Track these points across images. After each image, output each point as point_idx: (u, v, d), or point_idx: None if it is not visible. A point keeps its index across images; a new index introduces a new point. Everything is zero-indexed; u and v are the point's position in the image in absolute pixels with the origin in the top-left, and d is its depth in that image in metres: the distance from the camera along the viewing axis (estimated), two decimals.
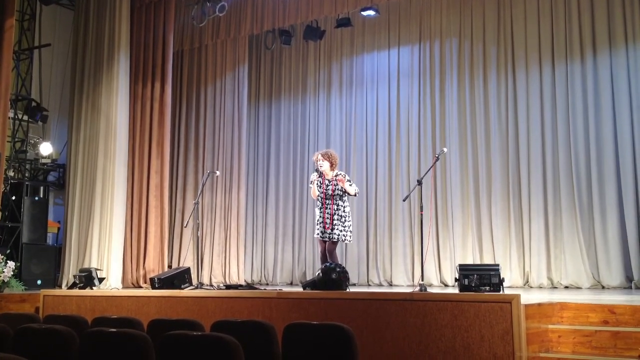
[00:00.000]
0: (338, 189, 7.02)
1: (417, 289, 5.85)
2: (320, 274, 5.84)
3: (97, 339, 3.40)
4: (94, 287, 7.59)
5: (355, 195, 7.14)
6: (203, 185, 8.45)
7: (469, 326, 4.59)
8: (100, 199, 9.03)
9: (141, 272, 9.15)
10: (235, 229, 10.63)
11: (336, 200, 7.00)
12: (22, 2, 10.64)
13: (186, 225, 9.07)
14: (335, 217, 6.97)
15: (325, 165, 7.11)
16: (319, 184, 7.11)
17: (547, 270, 8.44)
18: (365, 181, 10.14)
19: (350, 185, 7.05)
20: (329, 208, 7.00)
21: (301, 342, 3.54)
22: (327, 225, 6.97)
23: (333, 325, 3.48)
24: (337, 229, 6.94)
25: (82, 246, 9.08)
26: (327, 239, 7.01)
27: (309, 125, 10.99)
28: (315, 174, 7.21)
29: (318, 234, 7.09)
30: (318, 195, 7.10)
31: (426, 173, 6.78)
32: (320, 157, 7.19)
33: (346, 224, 7.01)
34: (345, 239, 7.04)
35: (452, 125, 9.47)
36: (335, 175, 7.09)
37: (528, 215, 8.68)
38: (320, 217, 7.06)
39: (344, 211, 7.02)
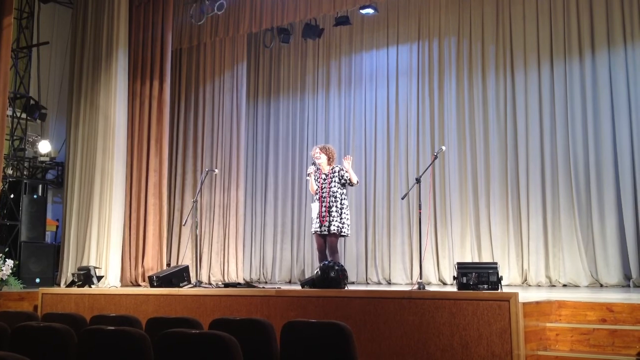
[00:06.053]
0: (335, 183, 7.03)
1: (416, 287, 5.85)
2: (319, 272, 5.84)
3: (96, 337, 3.40)
4: (92, 286, 7.59)
5: (357, 183, 7.19)
6: (202, 183, 8.43)
7: (467, 324, 4.60)
8: (99, 197, 9.02)
9: (140, 270, 9.14)
10: (234, 227, 10.63)
11: (333, 194, 7.01)
12: (20, 0, 10.63)
13: (185, 223, 9.06)
14: (333, 209, 6.96)
15: (322, 159, 7.18)
16: (316, 177, 7.14)
17: (546, 269, 8.45)
18: (363, 179, 10.12)
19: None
20: (326, 201, 7.01)
21: (299, 341, 3.55)
22: (324, 219, 6.97)
23: (331, 324, 3.48)
24: (335, 222, 6.93)
25: (81, 244, 9.07)
26: (325, 233, 6.99)
27: (307, 123, 10.98)
28: (313, 167, 7.24)
29: (315, 229, 7.08)
30: (316, 190, 7.13)
31: (425, 171, 6.76)
32: (318, 150, 7.27)
33: (344, 217, 7.00)
34: (342, 232, 7.01)
35: (451, 123, 9.47)
36: (332, 169, 7.11)
37: (526, 213, 8.68)
38: (317, 211, 7.06)
39: (341, 204, 7.01)
